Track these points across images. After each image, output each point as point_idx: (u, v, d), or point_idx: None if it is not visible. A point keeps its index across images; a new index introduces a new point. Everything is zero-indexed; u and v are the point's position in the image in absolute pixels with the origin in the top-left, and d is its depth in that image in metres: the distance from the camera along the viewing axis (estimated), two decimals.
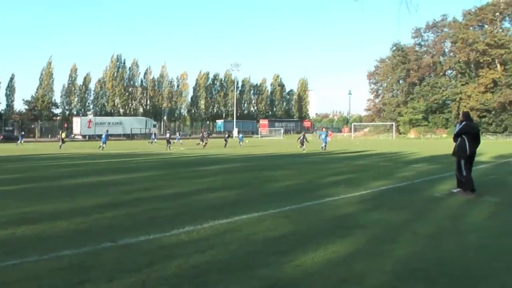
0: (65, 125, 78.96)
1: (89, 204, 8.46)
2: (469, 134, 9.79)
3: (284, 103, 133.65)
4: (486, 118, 72.72)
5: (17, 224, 6.60)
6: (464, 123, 9.91)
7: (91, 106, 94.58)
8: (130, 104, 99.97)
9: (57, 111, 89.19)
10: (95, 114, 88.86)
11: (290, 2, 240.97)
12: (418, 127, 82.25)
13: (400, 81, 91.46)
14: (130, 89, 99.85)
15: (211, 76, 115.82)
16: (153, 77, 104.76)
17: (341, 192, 9.86)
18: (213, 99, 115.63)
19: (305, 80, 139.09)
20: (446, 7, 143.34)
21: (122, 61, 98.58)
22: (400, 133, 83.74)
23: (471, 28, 79.17)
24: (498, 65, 75.69)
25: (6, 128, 74.78)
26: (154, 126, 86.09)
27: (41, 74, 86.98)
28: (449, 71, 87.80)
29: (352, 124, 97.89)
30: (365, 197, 9.34)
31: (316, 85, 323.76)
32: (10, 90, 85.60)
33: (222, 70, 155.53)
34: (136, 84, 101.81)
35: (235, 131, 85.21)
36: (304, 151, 30.47)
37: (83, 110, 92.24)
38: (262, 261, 4.89)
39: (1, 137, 65.21)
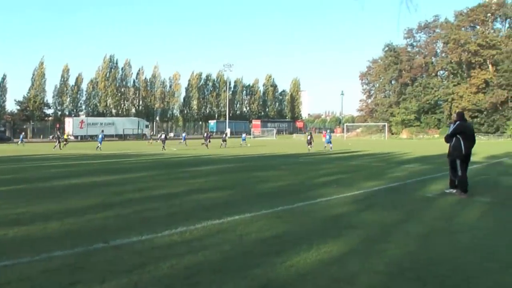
0: (57, 126, 78.54)
1: (81, 205, 8.42)
2: (464, 134, 9.77)
3: (277, 104, 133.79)
4: (478, 119, 73.01)
5: (9, 225, 6.56)
6: (458, 123, 9.88)
7: (83, 107, 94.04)
8: (122, 105, 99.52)
9: (49, 111, 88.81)
10: (87, 115, 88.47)
11: (283, 2, 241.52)
12: (411, 128, 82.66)
13: (392, 82, 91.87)
14: (122, 90, 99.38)
15: (203, 76, 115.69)
16: (146, 78, 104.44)
17: (333, 193, 9.88)
18: (206, 99, 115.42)
19: (297, 81, 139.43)
20: (438, 8, 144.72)
21: (115, 62, 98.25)
22: (392, 134, 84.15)
23: (463, 28, 79.63)
24: (490, 66, 76.26)
25: None
26: (147, 126, 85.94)
27: (33, 75, 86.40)
28: (441, 72, 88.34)
29: (345, 124, 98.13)
30: (357, 198, 9.36)
31: (308, 86, 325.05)
32: (2, 90, 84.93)
33: (214, 71, 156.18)
34: (129, 84, 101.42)
35: (227, 132, 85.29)
36: (310, 151, 31.36)
37: (75, 110, 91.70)
38: (255, 261, 4.90)
39: None
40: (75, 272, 4.56)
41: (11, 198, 9.41)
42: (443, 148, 10.27)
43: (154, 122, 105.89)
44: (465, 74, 79.61)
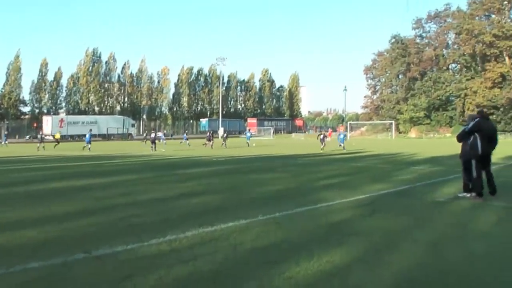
0: (35, 125, 78.32)
1: (61, 211, 8.39)
2: (481, 132, 9.64)
3: (274, 100, 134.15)
4: (494, 116, 72.45)
5: None
6: (477, 120, 9.75)
7: (63, 104, 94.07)
8: (106, 102, 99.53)
9: (26, 109, 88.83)
10: (68, 113, 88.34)
11: None
12: (420, 126, 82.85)
13: (400, 76, 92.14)
14: (106, 85, 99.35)
15: (194, 71, 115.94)
16: (132, 72, 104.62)
17: (335, 197, 9.94)
18: (197, 96, 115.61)
19: (296, 76, 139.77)
20: None
21: (98, 55, 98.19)
22: (400, 132, 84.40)
23: (476, 18, 79.61)
24: (507, 58, 76.18)
25: None
26: (133, 125, 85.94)
27: (8, 69, 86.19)
28: (453, 65, 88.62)
29: (348, 122, 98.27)
30: (362, 202, 9.41)
31: (308, 81, 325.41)
32: None
33: (206, 65, 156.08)
34: (113, 79, 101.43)
35: (220, 131, 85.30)
36: (323, 151, 32.22)
37: (54, 108, 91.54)
38: (251, 272, 4.89)
39: None
40: (53, 285, 4.54)
41: None
42: (456, 148, 10.29)
43: (141, 121, 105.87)
44: (479, 67, 79.72)
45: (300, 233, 6.68)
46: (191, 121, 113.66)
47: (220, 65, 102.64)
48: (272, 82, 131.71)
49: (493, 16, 79.33)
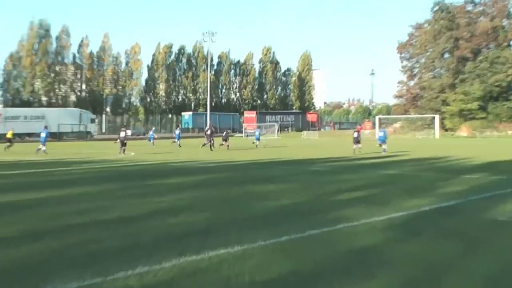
0: None
1: (0, 234, 8.59)
2: None
3: (279, 88, 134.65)
4: None
5: None
6: None
7: (0, 93, 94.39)
8: (57, 90, 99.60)
9: None
10: (6, 104, 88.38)
11: None
12: (472, 121, 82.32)
13: (445, 55, 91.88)
14: (57, 68, 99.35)
15: (174, 50, 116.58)
16: (91, 51, 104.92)
17: (361, 215, 9.99)
18: (178, 82, 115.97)
19: (308, 56, 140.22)
20: None
21: (46, 28, 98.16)
22: (446, 130, 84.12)
23: None
24: None
25: None
26: (93, 121, 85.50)
27: None
28: None
29: (377, 117, 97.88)
30: (395, 222, 9.46)
31: (324, 63, 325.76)
32: None
33: (190, 42, 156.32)
34: (67, 60, 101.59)
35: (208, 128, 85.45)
36: (356, 154, 33.04)
37: None
38: None
39: None
40: None
41: None
42: None
43: (103, 115, 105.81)
44: None
45: (314, 263, 6.66)
46: (170, 115, 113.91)
47: (208, 42, 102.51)
48: (276, 64, 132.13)
49: None
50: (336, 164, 25.45)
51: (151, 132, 54.78)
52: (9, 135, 42.37)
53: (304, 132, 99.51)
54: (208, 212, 10.69)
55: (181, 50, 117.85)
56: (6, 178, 19.11)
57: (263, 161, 27.96)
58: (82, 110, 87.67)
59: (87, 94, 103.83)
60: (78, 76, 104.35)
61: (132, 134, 77.45)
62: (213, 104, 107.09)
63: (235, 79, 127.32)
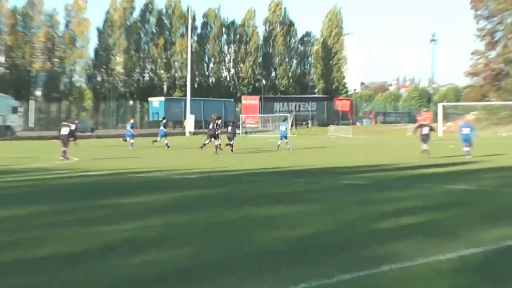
0: None
1: None
2: None
3: (294, 62, 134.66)
4: None
5: None
6: None
7: None
8: None
9: None
10: None
11: None
12: None
13: None
14: None
15: (138, 4, 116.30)
16: (15, 7, 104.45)
17: (416, 252, 9.91)
18: (143, 53, 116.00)
19: (337, 14, 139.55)
20: None
21: None
22: None
23: None
24: None
25: None
26: (15, 111, 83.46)
27: None
28: None
29: (440, 105, 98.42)
30: (467, 262, 9.37)
31: (360, 26, 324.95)
32: None
33: None
34: None
35: (189, 120, 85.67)
36: (424, 160, 33.10)
37: None
38: None
39: None
40: None
41: None
42: None
43: (32, 102, 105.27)
44: None
45: None
46: (131, 102, 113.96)
47: None
48: (290, 26, 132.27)
49: None
50: (379, 175, 25.67)
51: (128, 127, 53.92)
52: None
53: (331, 127, 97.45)
54: (188, 246, 10.58)
55: (149, 6, 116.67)
56: None
57: (270, 171, 28.33)
58: None
59: (6, 71, 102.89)
60: None
61: (75, 130, 77.20)
62: (195, 86, 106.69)
63: (228, 48, 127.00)
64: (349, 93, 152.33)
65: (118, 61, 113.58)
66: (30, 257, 9.66)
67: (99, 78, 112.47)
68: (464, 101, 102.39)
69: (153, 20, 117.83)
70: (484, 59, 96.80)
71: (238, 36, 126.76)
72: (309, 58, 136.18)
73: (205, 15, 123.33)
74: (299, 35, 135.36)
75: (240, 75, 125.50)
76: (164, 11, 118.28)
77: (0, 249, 10.29)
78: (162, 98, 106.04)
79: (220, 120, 45.05)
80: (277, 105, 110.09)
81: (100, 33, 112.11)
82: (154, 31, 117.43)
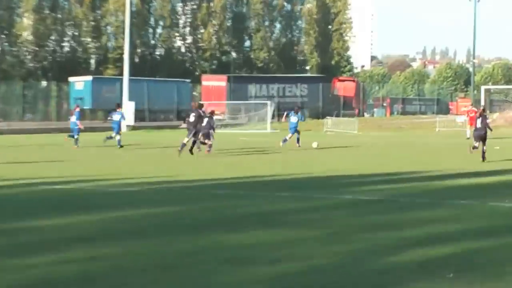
0: None
1: None
2: None
3: (277, 27, 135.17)
4: None
5: None
6: None
7: None
8: None
9: None
10: None
11: None
12: None
13: None
14: None
15: None
16: None
17: None
18: (63, 13, 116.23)
19: None
20: None
21: None
22: None
23: None
24: None
25: None
26: None
27: None
28: None
29: (483, 88, 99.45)
30: None
31: None
32: None
33: None
34: None
35: (127, 109, 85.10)
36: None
37: None
38: None
39: None
40: None
41: None
42: None
43: None
44: None
45: None
46: (45, 82, 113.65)
47: None
48: None
49: None
50: (396, 187, 25.93)
51: (74, 118, 54.45)
52: None
53: (329, 120, 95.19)
54: None
55: None
56: None
57: (246, 181, 28.82)
58: None
59: None
60: None
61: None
62: (136, 60, 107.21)
63: (184, 6, 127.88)
64: (355, 71, 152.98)
65: (26, 24, 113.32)
66: None
67: None
68: None
69: None
70: None
71: None
72: (299, 22, 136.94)
73: None
74: None
75: (200, 45, 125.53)
76: None
77: None
78: (89, 78, 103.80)
79: (202, 110, 45.30)
80: (253, 88, 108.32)
81: None
82: None
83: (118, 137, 51.69)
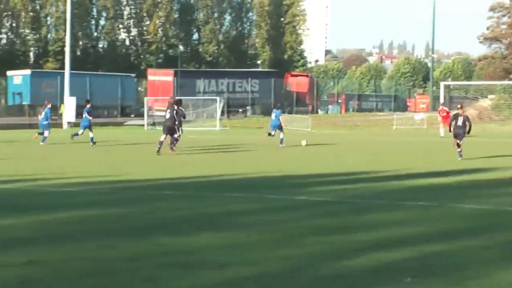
0: None
1: None
2: None
3: (227, 19, 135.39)
4: None
5: None
6: None
7: None
8: None
9: None
10: None
11: None
12: None
13: None
14: None
15: None
16: None
17: None
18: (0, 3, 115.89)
19: None
20: None
21: None
22: None
23: None
24: None
25: None
26: None
27: None
28: None
29: (442, 84, 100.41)
30: None
31: None
32: None
33: None
34: None
35: (68, 105, 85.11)
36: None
37: None
38: None
39: None
40: None
41: None
42: None
43: None
44: None
45: None
46: None
47: None
48: None
49: None
50: (353, 187, 26.16)
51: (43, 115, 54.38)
52: None
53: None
54: None
55: None
56: None
57: (194, 181, 29.05)
58: None
59: None
60: None
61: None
62: (78, 54, 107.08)
63: None
64: (309, 66, 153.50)
65: None
66: None
67: None
68: (478, 78, 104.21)
69: None
70: (510, 17, 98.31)
71: None
72: (250, 14, 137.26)
73: None
74: None
75: (145, 37, 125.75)
76: None
77: None
78: (28, 72, 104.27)
79: (179, 106, 46.27)
80: (201, 84, 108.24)
81: None
82: None
83: (91, 134, 52.13)
